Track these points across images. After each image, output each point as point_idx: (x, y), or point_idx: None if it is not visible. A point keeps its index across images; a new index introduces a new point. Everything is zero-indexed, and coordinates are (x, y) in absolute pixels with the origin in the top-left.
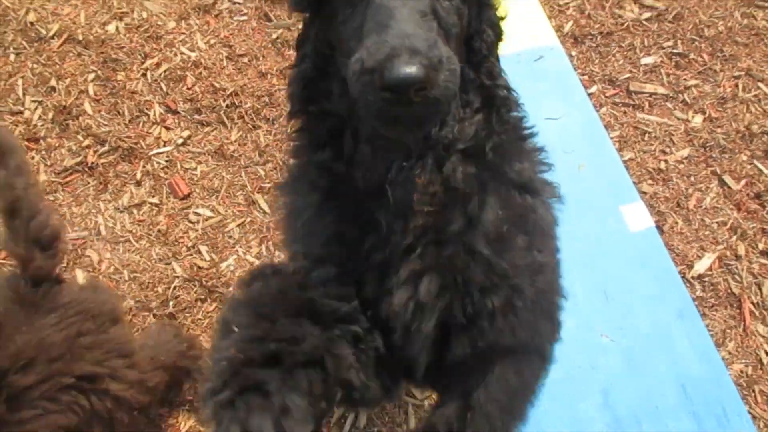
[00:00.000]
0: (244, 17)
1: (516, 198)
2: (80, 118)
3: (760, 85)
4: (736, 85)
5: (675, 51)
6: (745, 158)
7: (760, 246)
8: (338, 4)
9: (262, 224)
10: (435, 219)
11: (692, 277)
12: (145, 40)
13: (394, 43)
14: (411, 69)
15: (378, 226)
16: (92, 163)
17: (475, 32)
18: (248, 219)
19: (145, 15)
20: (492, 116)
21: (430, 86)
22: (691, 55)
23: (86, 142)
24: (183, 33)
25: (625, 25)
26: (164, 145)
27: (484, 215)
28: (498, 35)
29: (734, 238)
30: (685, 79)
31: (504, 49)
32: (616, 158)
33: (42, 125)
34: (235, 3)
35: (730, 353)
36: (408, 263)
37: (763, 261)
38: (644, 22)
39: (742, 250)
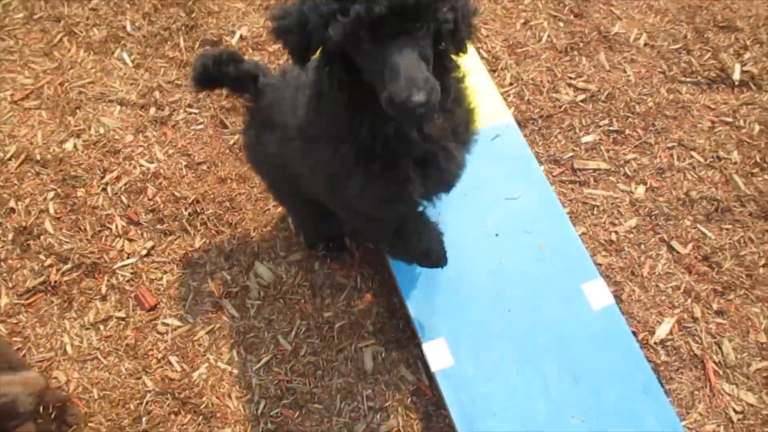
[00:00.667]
0: (201, 126)
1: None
2: (41, 237)
3: (693, 153)
4: (671, 155)
5: (611, 128)
6: (688, 223)
7: (715, 306)
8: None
9: (232, 329)
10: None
11: (655, 343)
12: (104, 154)
13: (408, 85)
14: (421, 98)
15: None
16: (55, 281)
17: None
18: (217, 325)
19: (102, 130)
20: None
21: (430, 103)
22: (627, 131)
23: (48, 261)
24: (141, 145)
25: (563, 107)
26: (128, 258)
27: (459, 128)
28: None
29: (689, 300)
30: (624, 154)
31: None
32: (575, 235)
33: (2, 247)
34: (191, 113)
35: (701, 415)
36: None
37: (719, 320)
38: (580, 103)
39: (698, 311)
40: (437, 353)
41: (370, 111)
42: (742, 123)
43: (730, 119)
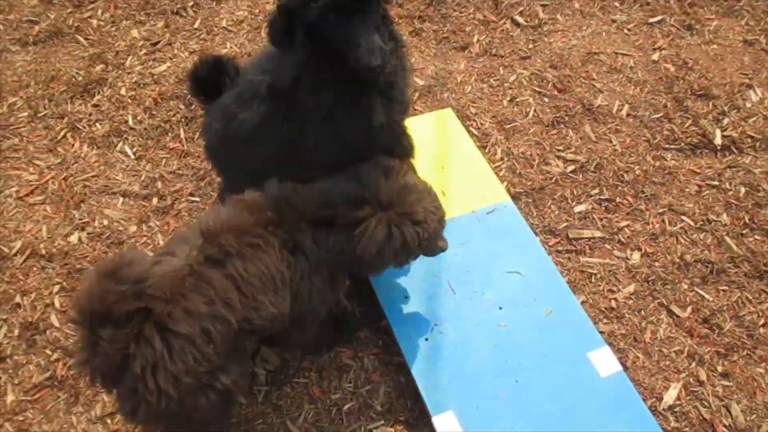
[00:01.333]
0: (203, 213)
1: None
2: (47, 331)
3: (683, 217)
4: (663, 221)
5: (602, 197)
6: (686, 286)
7: (719, 368)
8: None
9: (240, 416)
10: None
11: (663, 410)
12: (108, 246)
13: (368, 54)
14: (378, 62)
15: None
16: (62, 376)
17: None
18: None
19: (106, 222)
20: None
21: (384, 64)
22: (618, 199)
23: (55, 356)
24: (144, 236)
25: (554, 179)
26: None
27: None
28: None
29: (693, 364)
30: (617, 221)
31: (460, 210)
32: (577, 305)
33: (8, 343)
34: (192, 201)
35: None
36: None
37: (725, 383)
38: (570, 174)
39: (703, 375)
40: (447, 427)
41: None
42: (727, 186)
43: (715, 182)
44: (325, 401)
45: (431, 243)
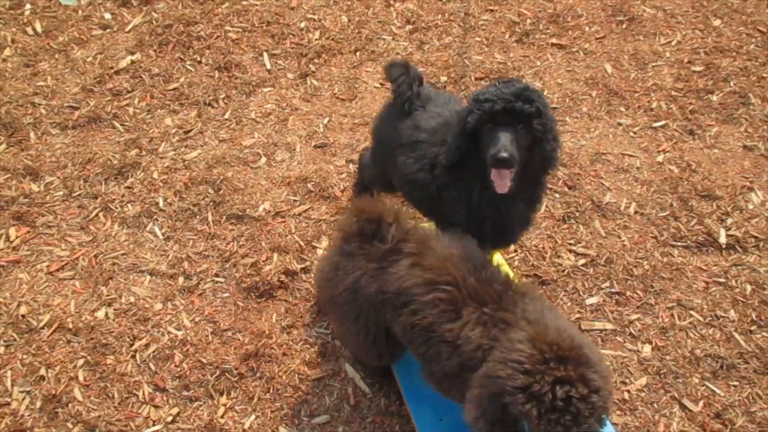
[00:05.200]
0: (227, 294)
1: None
2: (70, 404)
3: (692, 312)
4: (672, 315)
5: (613, 290)
6: (696, 381)
7: None
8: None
9: None
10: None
11: None
12: (134, 323)
13: (500, 147)
14: (505, 155)
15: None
16: None
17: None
18: None
19: (132, 299)
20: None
21: (509, 162)
22: (628, 293)
23: (76, 429)
24: (169, 313)
25: (566, 271)
26: (153, 425)
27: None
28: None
29: None
30: (627, 314)
31: None
32: None
33: (29, 415)
34: (217, 282)
35: None
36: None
37: None
38: (581, 267)
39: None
40: None
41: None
42: (734, 283)
43: (722, 280)
44: None
45: (599, 418)
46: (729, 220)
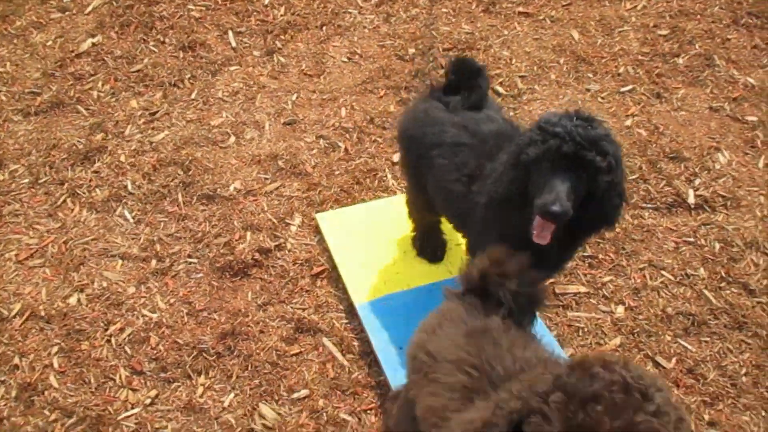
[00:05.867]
0: (200, 274)
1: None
2: (46, 392)
3: (663, 272)
4: (644, 276)
5: (585, 254)
6: (669, 338)
7: (706, 417)
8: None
9: None
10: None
11: None
12: (107, 307)
13: (554, 199)
14: (557, 209)
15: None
16: None
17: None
18: None
19: (105, 284)
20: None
21: (560, 217)
22: (600, 256)
23: (53, 416)
24: (143, 296)
25: None
26: (132, 408)
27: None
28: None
29: None
30: (600, 277)
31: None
32: (567, 359)
33: (5, 405)
34: (190, 263)
35: None
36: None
37: None
38: None
39: (692, 425)
40: None
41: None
42: (703, 242)
43: (691, 239)
44: None
45: None
46: (697, 181)
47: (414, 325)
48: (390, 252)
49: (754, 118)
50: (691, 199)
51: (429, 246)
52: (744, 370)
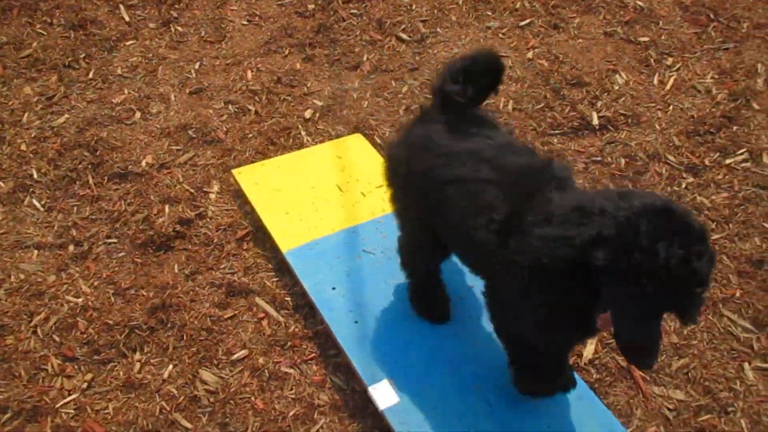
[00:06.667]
0: (122, 253)
1: None
2: None
3: None
4: None
5: None
6: None
7: None
8: None
9: None
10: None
11: (585, 364)
12: (28, 299)
13: (640, 346)
14: (643, 360)
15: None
16: None
17: None
18: None
19: (22, 276)
20: None
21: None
22: None
23: None
24: (65, 283)
25: None
26: (69, 395)
27: None
28: None
29: None
30: None
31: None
32: None
33: None
34: (110, 243)
35: (640, 419)
36: None
37: None
38: None
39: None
40: (384, 396)
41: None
42: (610, 159)
43: (599, 158)
44: (269, 412)
45: None
46: (599, 103)
47: (343, 266)
48: (312, 200)
49: (646, 39)
50: (595, 121)
51: (429, 302)
52: None
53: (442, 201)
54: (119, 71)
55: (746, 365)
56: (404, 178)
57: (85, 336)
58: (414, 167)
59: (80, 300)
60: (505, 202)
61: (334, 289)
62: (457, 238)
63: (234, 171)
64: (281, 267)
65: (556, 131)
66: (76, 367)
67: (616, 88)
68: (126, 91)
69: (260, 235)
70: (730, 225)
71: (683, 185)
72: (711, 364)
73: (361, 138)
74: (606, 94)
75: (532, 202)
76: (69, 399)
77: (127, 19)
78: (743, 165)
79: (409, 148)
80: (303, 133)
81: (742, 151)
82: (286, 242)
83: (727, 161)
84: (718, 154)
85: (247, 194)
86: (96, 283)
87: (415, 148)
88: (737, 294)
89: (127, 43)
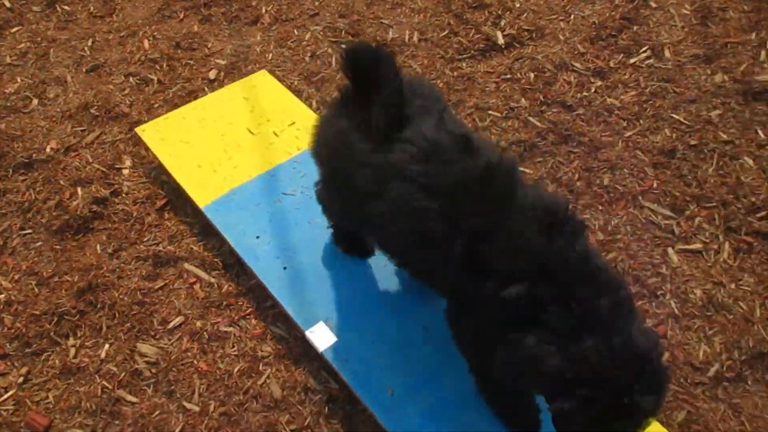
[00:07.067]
0: (39, 243)
1: None
2: None
3: (490, 112)
4: (474, 119)
5: None
6: None
7: None
8: None
9: (136, 415)
10: None
11: None
12: None
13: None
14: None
15: None
16: None
17: None
18: (120, 419)
19: None
20: None
21: None
22: None
23: None
24: None
25: None
26: (6, 392)
27: None
28: None
29: None
30: None
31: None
32: None
33: None
34: (25, 235)
35: None
36: None
37: None
38: None
39: None
40: (322, 338)
41: None
42: (519, 75)
43: (508, 76)
44: (214, 372)
45: None
46: (502, 22)
47: (264, 212)
48: (224, 148)
49: None
50: (501, 40)
51: (353, 238)
52: (576, 176)
53: (375, 216)
54: (8, 60)
55: (670, 250)
56: (328, 176)
57: (12, 331)
58: (336, 176)
59: (2, 296)
60: (451, 237)
61: (258, 237)
62: (397, 253)
63: (137, 129)
64: (206, 230)
65: (464, 55)
66: (9, 363)
67: (518, 5)
68: (19, 79)
69: (180, 202)
70: (641, 121)
71: (592, 90)
72: (637, 254)
73: (267, 75)
74: (508, 12)
75: (500, 220)
76: (6, 396)
77: (8, 5)
78: (647, 62)
79: (328, 147)
80: (209, 93)
81: (644, 49)
82: (202, 197)
83: (632, 60)
84: (622, 55)
85: (155, 151)
86: (17, 277)
87: (334, 151)
88: (654, 185)
89: (12, 30)
